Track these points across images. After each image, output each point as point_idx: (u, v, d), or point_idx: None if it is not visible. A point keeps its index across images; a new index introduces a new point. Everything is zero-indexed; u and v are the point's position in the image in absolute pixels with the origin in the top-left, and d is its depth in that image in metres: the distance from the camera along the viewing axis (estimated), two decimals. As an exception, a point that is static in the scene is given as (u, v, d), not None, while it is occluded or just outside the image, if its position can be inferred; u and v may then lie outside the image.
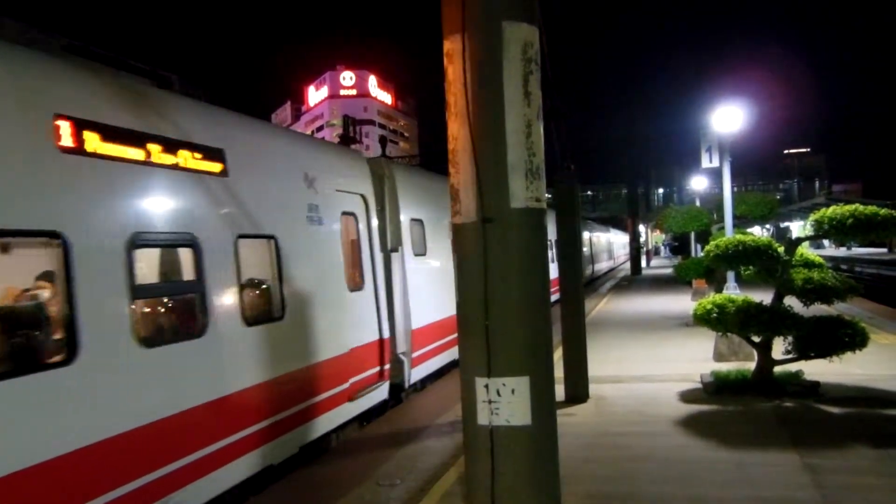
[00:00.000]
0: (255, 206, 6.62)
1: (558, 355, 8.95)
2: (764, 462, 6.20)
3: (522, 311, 3.79)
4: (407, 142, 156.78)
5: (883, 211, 8.11)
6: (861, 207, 8.16)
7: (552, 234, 13.87)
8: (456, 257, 3.97)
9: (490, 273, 3.74)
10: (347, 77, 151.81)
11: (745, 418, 7.73)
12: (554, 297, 11.94)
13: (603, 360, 11.24)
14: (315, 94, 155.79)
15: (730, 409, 8.10)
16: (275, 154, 7.35)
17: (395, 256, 9.87)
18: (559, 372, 8.33)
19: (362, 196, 8.99)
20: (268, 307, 6.81)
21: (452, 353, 11.50)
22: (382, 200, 9.80)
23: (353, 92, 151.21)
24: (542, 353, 3.90)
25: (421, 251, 10.92)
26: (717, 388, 8.90)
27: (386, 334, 9.15)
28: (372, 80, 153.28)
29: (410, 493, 5.98)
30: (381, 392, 8.97)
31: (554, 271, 14.76)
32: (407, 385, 10.03)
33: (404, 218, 10.21)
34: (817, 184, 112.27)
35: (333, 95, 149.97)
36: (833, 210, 8.33)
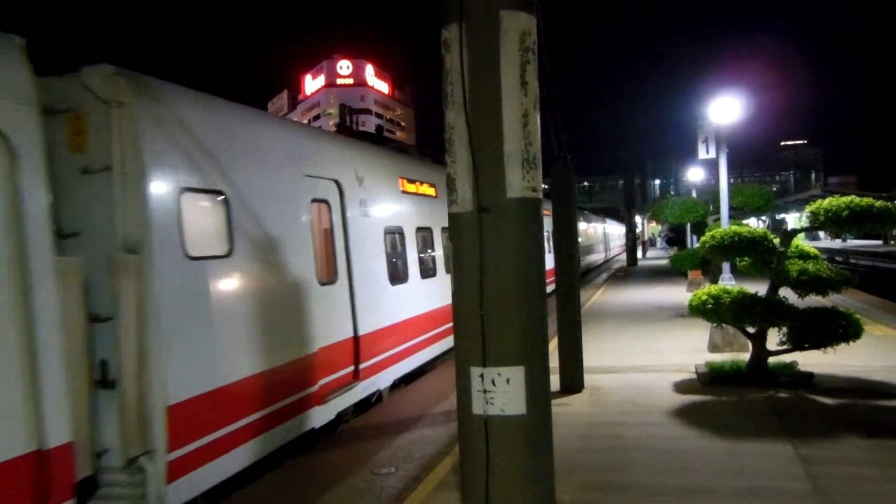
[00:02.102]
0: None
1: (553, 345, 8.97)
2: (757, 452, 6.23)
3: (518, 301, 3.80)
4: (404, 131, 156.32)
5: (878, 203, 8.13)
6: (857, 199, 8.18)
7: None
8: (452, 247, 3.97)
9: (486, 263, 3.75)
10: (344, 66, 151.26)
11: (738, 409, 7.76)
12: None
13: (598, 351, 11.28)
14: (312, 83, 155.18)
15: (724, 400, 8.14)
16: None
17: (128, 264, 5.03)
18: (554, 362, 8.36)
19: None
20: None
21: (288, 429, 6.72)
22: (109, 151, 5.09)
23: (350, 81, 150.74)
24: (538, 343, 3.92)
25: (216, 250, 5.98)
26: (712, 378, 8.94)
27: (65, 437, 4.23)
28: (369, 70, 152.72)
29: (405, 481, 6.00)
30: None
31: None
32: None
33: (167, 187, 5.42)
34: (813, 176, 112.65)
35: (330, 84, 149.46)
36: (829, 202, 8.34)
